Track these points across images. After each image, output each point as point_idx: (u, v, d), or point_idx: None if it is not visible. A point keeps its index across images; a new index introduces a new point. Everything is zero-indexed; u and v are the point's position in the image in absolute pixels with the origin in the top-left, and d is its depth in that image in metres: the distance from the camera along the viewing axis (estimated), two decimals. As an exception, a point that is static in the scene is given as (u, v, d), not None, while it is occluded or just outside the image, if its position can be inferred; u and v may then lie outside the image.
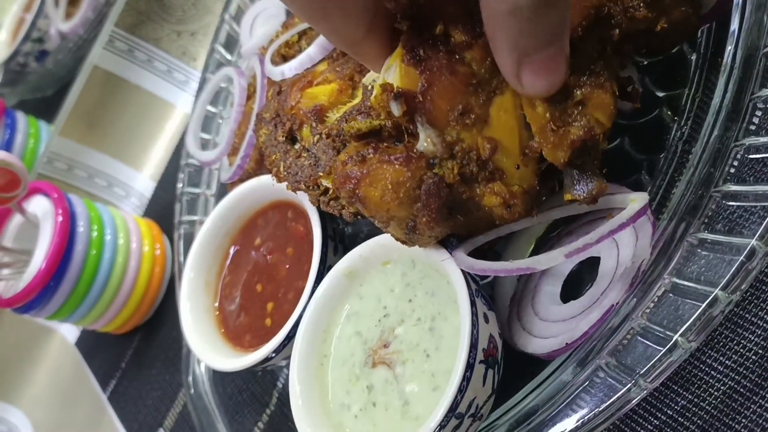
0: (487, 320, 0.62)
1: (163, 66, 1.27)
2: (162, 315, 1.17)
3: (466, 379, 0.58)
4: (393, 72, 0.55)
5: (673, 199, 0.61)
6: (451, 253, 0.63)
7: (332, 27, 0.52)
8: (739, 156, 0.57)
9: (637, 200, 0.57)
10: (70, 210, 1.10)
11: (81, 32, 1.45)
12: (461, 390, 0.57)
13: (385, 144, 0.57)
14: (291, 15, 0.98)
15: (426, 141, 0.55)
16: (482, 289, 0.66)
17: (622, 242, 0.61)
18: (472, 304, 0.60)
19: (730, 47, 0.62)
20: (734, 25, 0.63)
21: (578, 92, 0.55)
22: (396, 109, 0.54)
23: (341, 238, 0.82)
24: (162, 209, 1.25)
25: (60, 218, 1.07)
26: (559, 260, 0.55)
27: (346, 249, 0.80)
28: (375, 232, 0.85)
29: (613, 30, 0.56)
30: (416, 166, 0.56)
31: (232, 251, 0.89)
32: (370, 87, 0.59)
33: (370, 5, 0.52)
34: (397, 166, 0.56)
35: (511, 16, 0.44)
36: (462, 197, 0.58)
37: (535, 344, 0.63)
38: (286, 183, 0.79)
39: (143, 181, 1.29)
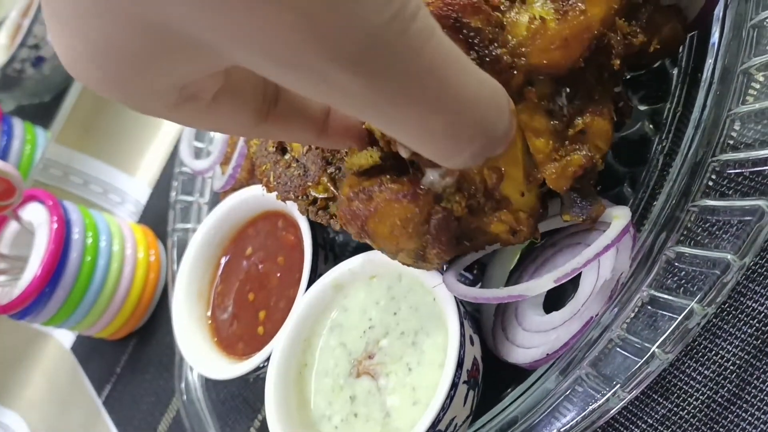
0: (472, 343, 0.63)
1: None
2: (156, 321, 1.18)
3: (450, 397, 0.59)
4: None
5: (653, 212, 0.62)
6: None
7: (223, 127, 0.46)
8: (717, 170, 0.59)
9: (620, 217, 0.58)
10: (66, 217, 1.11)
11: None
12: (444, 408, 0.59)
13: (389, 179, 0.58)
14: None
15: (432, 176, 0.56)
16: (469, 313, 0.67)
17: (603, 255, 0.62)
18: (461, 325, 0.61)
19: (710, 61, 0.64)
20: (714, 38, 0.64)
21: (579, 121, 0.56)
22: (404, 153, 0.55)
23: (331, 246, 0.83)
24: (157, 215, 1.25)
25: (55, 225, 1.08)
26: (549, 286, 0.57)
27: (337, 257, 0.82)
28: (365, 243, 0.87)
29: (614, 60, 0.57)
30: (424, 201, 0.57)
31: (223, 261, 0.91)
32: None
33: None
34: (405, 203, 0.56)
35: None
36: (470, 227, 0.59)
37: (518, 354, 0.64)
38: (275, 193, 0.80)
39: (139, 187, 1.30)
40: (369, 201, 0.58)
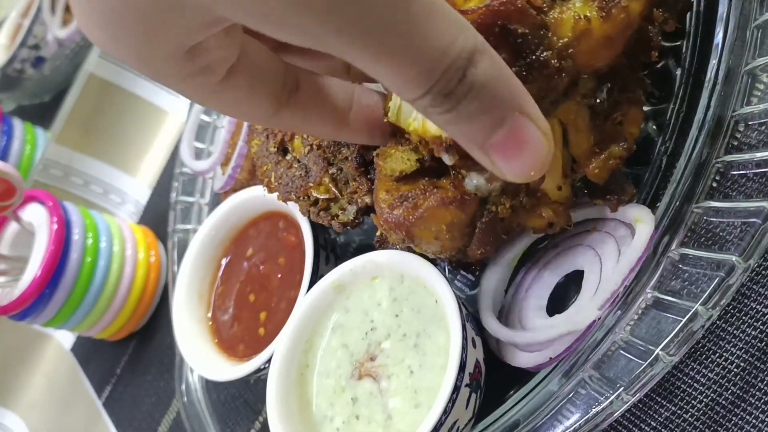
0: (474, 345, 0.63)
1: (158, 74, 1.28)
2: (157, 322, 1.18)
3: (452, 401, 0.59)
4: None
5: (657, 214, 0.61)
6: (479, 317, 0.66)
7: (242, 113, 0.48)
8: (720, 172, 0.58)
9: (643, 222, 0.58)
10: (66, 218, 1.11)
11: (78, 39, 1.46)
12: (446, 411, 0.58)
13: (430, 183, 0.57)
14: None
15: (477, 180, 0.56)
16: (472, 315, 0.67)
17: (605, 255, 0.62)
18: (464, 328, 0.61)
19: (714, 61, 0.63)
20: (718, 38, 0.64)
21: (617, 114, 0.57)
22: (448, 160, 0.54)
23: (333, 247, 0.83)
24: (157, 216, 1.25)
25: (55, 226, 1.08)
26: (595, 315, 0.58)
27: (338, 258, 0.81)
28: (367, 241, 0.87)
29: (652, 51, 0.57)
30: (470, 205, 0.57)
31: (224, 262, 0.90)
32: (411, 121, 0.57)
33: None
34: (453, 209, 0.56)
35: (448, 114, 0.39)
36: (511, 225, 0.60)
37: (521, 357, 0.64)
38: (277, 193, 0.80)
39: (139, 187, 1.30)
40: (414, 208, 0.57)
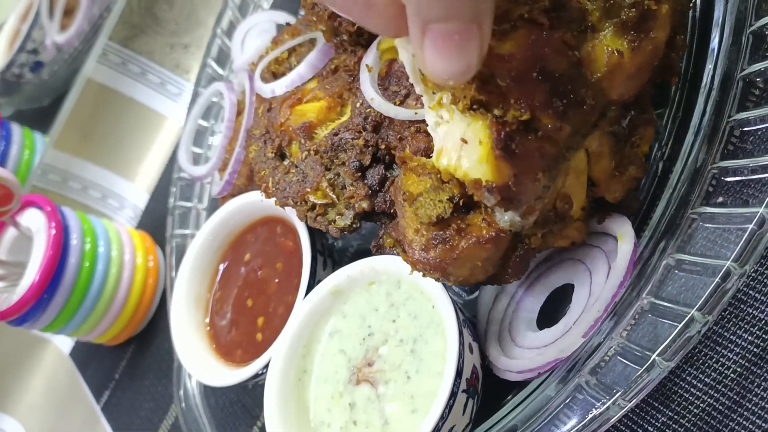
0: (471, 351, 0.63)
1: (156, 79, 1.28)
2: (155, 326, 1.18)
3: (449, 406, 0.59)
4: (475, 155, 0.53)
5: (653, 219, 0.61)
6: (488, 357, 0.67)
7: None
8: (716, 177, 0.58)
9: (624, 239, 0.58)
10: (64, 223, 1.11)
11: (76, 44, 1.46)
12: (443, 417, 0.59)
13: (462, 221, 0.58)
14: (281, 30, 0.99)
15: (510, 217, 0.56)
16: (468, 320, 0.67)
17: (595, 270, 0.62)
18: (460, 334, 0.61)
19: (709, 66, 0.64)
20: (714, 43, 0.64)
21: (635, 138, 0.59)
22: (491, 201, 0.54)
23: (330, 252, 0.83)
24: (156, 221, 1.25)
25: (53, 231, 1.08)
26: (579, 342, 0.59)
27: (335, 263, 0.82)
28: (364, 246, 0.87)
29: (674, 76, 0.60)
30: (505, 242, 0.57)
31: (222, 267, 0.90)
32: (443, 161, 0.57)
33: None
34: (489, 247, 0.57)
35: None
36: (540, 250, 0.62)
37: (511, 368, 0.64)
38: (274, 199, 0.80)
39: (137, 192, 1.30)
40: (451, 250, 0.57)
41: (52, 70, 1.57)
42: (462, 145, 0.56)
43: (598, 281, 0.61)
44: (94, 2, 1.47)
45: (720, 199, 0.58)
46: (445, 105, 0.58)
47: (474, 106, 0.54)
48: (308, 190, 0.76)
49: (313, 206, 0.77)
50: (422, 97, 0.62)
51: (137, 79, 1.27)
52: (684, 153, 0.62)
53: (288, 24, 1.01)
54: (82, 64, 1.28)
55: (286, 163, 0.81)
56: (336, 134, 0.76)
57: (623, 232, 0.60)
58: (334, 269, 0.81)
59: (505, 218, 0.57)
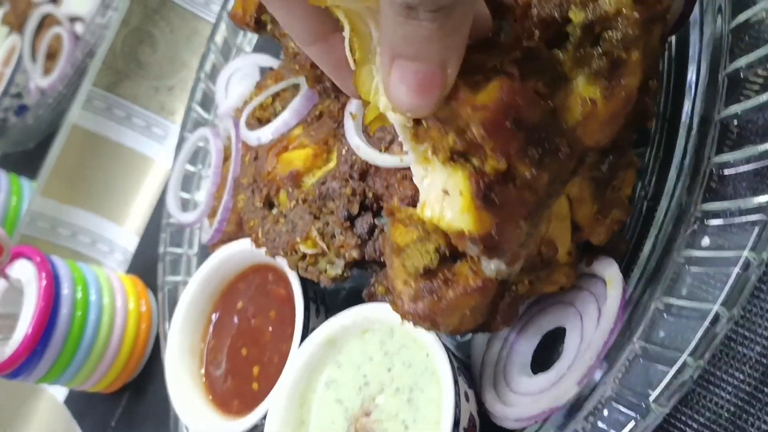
0: (467, 399, 0.63)
1: (141, 122, 1.28)
2: (150, 372, 1.17)
3: (448, 456, 0.59)
4: (457, 206, 0.54)
5: (639, 262, 0.62)
6: (484, 403, 0.67)
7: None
8: (700, 219, 0.59)
9: (612, 284, 0.59)
10: (54, 272, 1.11)
11: (60, 88, 1.46)
12: None
13: (448, 271, 0.58)
14: (264, 75, 1.00)
15: (495, 265, 0.56)
16: (463, 364, 0.67)
17: (586, 314, 0.63)
18: (455, 382, 0.62)
19: (687, 104, 0.65)
20: (690, 79, 0.65)
21: (616, 181, 0.60)
22: (474, 251, 0.55)
23: (322, 298, 0.83)
24: (146, 264, 1.25)
25: (44, 282, 1.08)
26: (574, 390, 0.59)
27: (328, 309, 0.82)
28: (356, 288, 0.87)
29: (648, 121, 0.60)
30: (492, 290, 0.58)
31: (215, 316, 0.90)
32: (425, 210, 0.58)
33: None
34: (477, 296, 0.57)
35: (404, 9, 0.39)
36: (529, 296, 0.63)
37: (508, 416, 0.64)
38: (264, 248, 0.80)
39: (126, 235, 1.29)
40: (438, 301, 0.58)
41: (36, 114, 1.57)
42: (444, 196, 0.57)
43: (589, 326, 0.62)
44: (76, 46, 1.48)
45: (705, 242, 0.58)
46: (427, 157, 0.59)
47: (453, 157, 0.54)
48: (298, 239, 0.77)
49: (304, 256, 0.77)
50: (408, 153, 0.63)
51: (123, 124, 1.27)
52: (667, 194, 0.62)
53: (271, 69, 1.01)
54: (67, 108, 1.28)
55: (274, 212, 0.82)
56: (323, 183, 0.77)
57: (611, 275, 0.61)
58: (327, 315, 0.81)
59: (491, 267, 0.58)
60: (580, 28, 0.56)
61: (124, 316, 1.17)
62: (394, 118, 0.57)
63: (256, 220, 0.82)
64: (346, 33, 0.48)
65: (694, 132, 0.62)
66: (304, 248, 0.76)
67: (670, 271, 0.59)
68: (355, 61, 0.49)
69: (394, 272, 0.63)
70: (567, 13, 0.58)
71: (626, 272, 0.64)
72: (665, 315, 0.58)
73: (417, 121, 0.56)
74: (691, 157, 0.61)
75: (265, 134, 0.86)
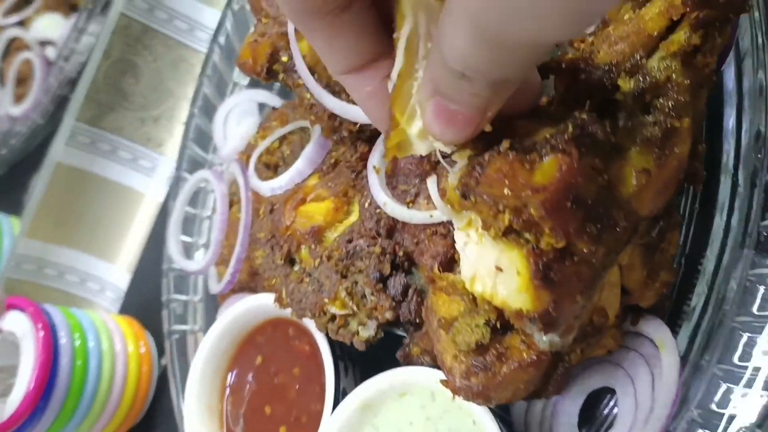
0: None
1: (128, 155, 1.24)
2: (154, 415, 1.14)
3: None
4: (513, 285, 0.53)
5: (688, 325, 0.62)
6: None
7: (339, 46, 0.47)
8: (751, 282, 0.59)
9: (666, 347, 0.58)
10: (50, 322, 1.06)
11: (34, 117, 1.40)
12: None
13: (500, 344, 0.57)
14: (267, 115, 0.96)
15: (549, 338, 0.55)
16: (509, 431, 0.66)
17: (638, 378, 0.62)
18: None
19: (726, 155, 0.64)
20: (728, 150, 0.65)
21: (665, 243, 0.59)
22: (533, 329, 0.55)
23: (350, 354, 0.81)
24: (141, 303, 1.21)
25: (41, 333, 1.03)
26: None
27: (356, 366, 0.80)
28: (382, 344, 0.82)
29: (698, 184, 0.59)
30: (546, 362, 0.57)
31: (232, 374, 0.87)
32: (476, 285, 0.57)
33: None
34: (531, 371, 0.56)
35: (460, 58, 0.40)
36: (580, 363, 0.61)
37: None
38: (290, 309, 0.78)
39: (118, 273, 1.25)
40: (493, 376, 0.56)
41: (7, 143, 1.50)
42: (497, 272, 0.55)
43: (643, 390, 0.61)
44: (49, 72, 1.41)
45: (758, 304, 0.58)
46: (476, 229, 0.58)
47: (506, 232, 0.53)
48: (326, 300, 0.74)
49: (333, 317, 0.75)
50: (452, 221, 0.61)
51: (108, 157, 1.23)
52: (713, 253, 0.62)
53: (274, 108, 0.98)
54: (47, 143, 1.23)
55: (296, 269, 0.79)
56: (350, 241, 0.75)
57: (663, 339, 0.60)
58: (356, 373, 0.80)
59: (544, 339, 0.57)
60: (631, 96, 0.55)
61: (124, 361, 1.13)
62: (433, 190, 0.55)
63: (278, 279, 0.79)
64: (405, 32, 0.46)
65: (740, 190, 0.61)
66: (333, 309, 0.74)
67: (725, 335, 0.59)
68: (399, 75, 0.47)
69: (442, 346, 0.61)
70: (616, 80, 0.57)
71: (671, 328, 0.64)
72: (721, 381, 0.57)
73: (464, 194, 0.55)
74: (740, 218, 0.60)
75: (279, 185, 0.83)
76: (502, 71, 0.40)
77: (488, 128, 0.53)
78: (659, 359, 0.61)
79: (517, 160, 0.51)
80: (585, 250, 0.52)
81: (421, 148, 0.50)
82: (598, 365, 0.66)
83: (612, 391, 0.68)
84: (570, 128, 0.52)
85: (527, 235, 0.53)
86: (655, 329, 0.62)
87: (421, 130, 0.48)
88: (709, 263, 0.62)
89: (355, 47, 0.48)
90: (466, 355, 0.59)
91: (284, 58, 0.77)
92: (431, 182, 0.62)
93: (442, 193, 0.58)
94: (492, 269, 0.56)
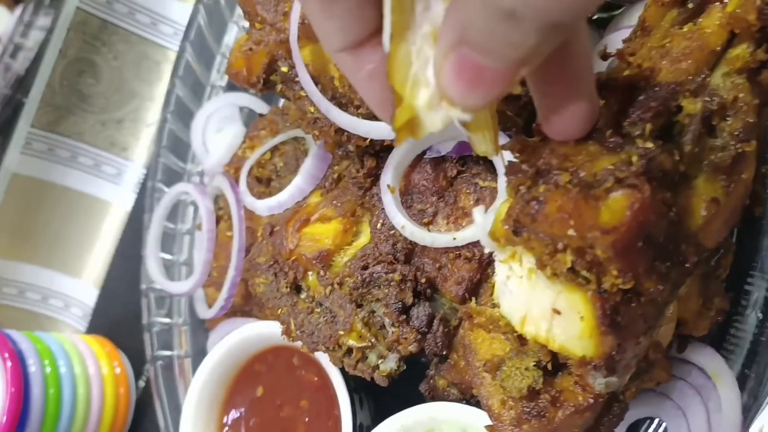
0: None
1: (89, 161, 1.14)
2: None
3: None
4: (574, 330, 0.49)
5: (743, 351, 0.59)
6: None
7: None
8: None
9: (722, 379, 0.55)
10: (16, 350, 0.98)
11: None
12: None
13: (554, 388, 0.53)
14: (254, 123, 0.89)
15: (605, 380, 0.51)
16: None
17: (690, 409, 0.59)
18: None
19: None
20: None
21: (721, 270, 0.57)
22: (596, 377, 0.51)
23: (364, 385, 0.75)
24: (111, 320, 1.13)
25: (9, 363, 0.95)
26: None
27: (370, 397, 0.75)
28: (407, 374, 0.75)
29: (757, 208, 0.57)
30: (600, 404, 0.53)
31: (230, 407, 0.81)
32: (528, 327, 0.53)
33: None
34: (587, 415, 0.52)
35: (504, 12, 0.34)
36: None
37: None
38: (300, 343, 0.72)
39: (84, 288, 1.16)
40: (547, 423, 0.52)
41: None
42: (554, 315, 0.51)
43: (699, 425, 0.58)
44: (-8, 70, 1.29)
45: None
46: (519, 262, 0.53)
47: (565, 274, 0.49)
48: (341, 332, 0.69)
49: (349, 350, 0.69)
50: (493, 253, 0.56)
51: (68, 165, 1.13)
52: (761, 276, 0.59)
53: (261, 115, 0.91)
54: (1, 153, 1.12)
55: (304, 296, 0.73)
56: (365, 267, 0.69)
57: (718, 371, 0.57)
58: (371, 405, 0.75)
59: (601, 381, 0.53)
60: (699, 119, 0.51)
61: (99, 384, 1.05)
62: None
63: (285, 309, 0.73)
64: None
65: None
66: (349, 341, 0.69)
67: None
68: (391, 37, 0.39)
69: (488, 391, 0.57)
70: (680, 101, 0.52)
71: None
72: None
73: (516, 231, 0.50)
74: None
75: (279, 203, 0.76)
76: (561, 10, 0.34)
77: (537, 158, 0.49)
78: (713, 391, 0.58)
79: (581, 197, 0.47)
80: (652, 290, 0.49)
81: (435, 122, 0.41)
82: (641, 393, 0.63)
83: (649, 417, 0.65)
84: (635, 158, 0.48)
85: (586, 274, 0.48)
86: (707, 358, 0.58)
87: (431, 98, 0.41)
88: (758, 287, 0.59)
89: (355, 12, 0.40)
90: (517, 401, 0.55)
91: (284, 68, 0.70)
92: (478, 212, 0.57)
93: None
94: (547, 311, 0.51)
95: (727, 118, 0.51)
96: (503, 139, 0.64)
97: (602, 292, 0.48)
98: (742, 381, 0.58)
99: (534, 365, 0.54)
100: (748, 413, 0.56)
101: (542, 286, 0.51)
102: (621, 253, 0.46)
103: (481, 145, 0.46)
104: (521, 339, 0.55)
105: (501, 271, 0.56)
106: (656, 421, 0.64)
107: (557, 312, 0.50)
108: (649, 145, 0.49)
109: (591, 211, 0.46)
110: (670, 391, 0.61)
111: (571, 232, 0.46)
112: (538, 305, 0.52)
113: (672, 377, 0.62)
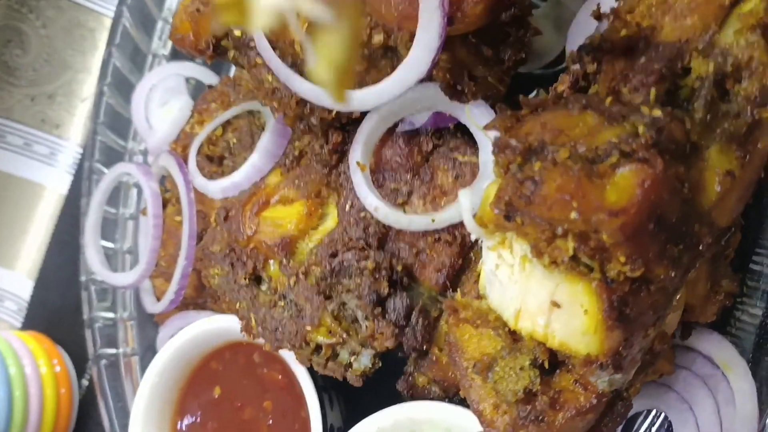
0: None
1: (18, 140, 1.04)
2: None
3: None
4: (577, 325, 0.44)
5: (745, 344, 0.54)
6: None
7: None
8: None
9: (734, 370, 0.50)
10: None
11: None
12: None
13: (552, 388, 0.48)
14: (203, 96, 0.80)
15: (610, 377, 0.47)
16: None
17: (696, 403, 0.55)
18: None
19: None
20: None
21: (729, 250, 0.53)
22: (602, 376, 0.47)
23: (332, 383, 0.69)
24: (49, 314, 1.04)
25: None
26: None
27: (341, 396, 0.69)
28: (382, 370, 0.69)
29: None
30: (603, 404, 0.48)
31: (186, 414, 0.73)
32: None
33: None
34: (589, 416, 0.48)
35: None
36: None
37: None
38: (262, 340, 0.65)
39: (17, 280, 1.06)
40: (547, 427, 0.47)
41: None
42: (552, 308, 0.45)
43: (708, 419, 0.53)
44: None
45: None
46: (510, 249, 0.47)
47: (569, 264, 0.43)
48: (308, 328, 0.62)
49: (318, 347, 0.63)
50: (482, 240, 0.50)
51: (-5, 146, 1.02)
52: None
53: (209, 86, 0.82)
54: None
55: (265, 289, 0.66)
56: (333, 255, 0.62)
57: (729, 360, 0.52)
58: (341, 405, 0.68)
59: (604, 379, 0.48)
60: (710, 82, 0.45)
61: (38, 385, 0.96)
62: (466, 209, 0.46)
63: (244, 303, 0.66)
64: None
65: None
66: (318, 338, 0.62)
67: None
68: None
69: (478, 394, 0.51)
70: (687, 62, 0.46)
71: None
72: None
73: (508, 215, 0.44)
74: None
75: (233, 184, 0.69)
76: None
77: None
78: (721, 381, 0.53)
79: (583, 175, 0.41)
80: (663, 276, 0.43)
81: None
82: (649, 387, 0.58)
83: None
84: (641, 128, 0.42)
85: (588, 261, 0.43)
86: (714, 346, 0.54)
87: None
88: (765, 265, 0.55)
89: None
90: (512, 405, 0.49)
91: (237, 32, 0.62)
92: (464, 195, 0.50)
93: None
94: (545, 304, 0.46)
95: (742, 81, 0.45)
96: (486, 115, 0.58)
97: (609, 282, 0.42)
98: (753, 369, 0.53)
99: (529, 364, 0.49)
100: (761, 405, 0.52)
101: (538, 276, 0.46)
102: (630, 238, 0.41)
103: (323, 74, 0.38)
104: (514, 335, 0.50)
105: (489, 260, 0.50)
106: (653, 411, 0.60)
107: (556, 305, 0.45)
108: (657, 113, 0.43)
109: (596, 191, 0.41)
110: (673, 381, 0.56)
111: (573, 215, 0.40)
112: (534, 298, 0.46)
113: (675, 366, 0.57)
